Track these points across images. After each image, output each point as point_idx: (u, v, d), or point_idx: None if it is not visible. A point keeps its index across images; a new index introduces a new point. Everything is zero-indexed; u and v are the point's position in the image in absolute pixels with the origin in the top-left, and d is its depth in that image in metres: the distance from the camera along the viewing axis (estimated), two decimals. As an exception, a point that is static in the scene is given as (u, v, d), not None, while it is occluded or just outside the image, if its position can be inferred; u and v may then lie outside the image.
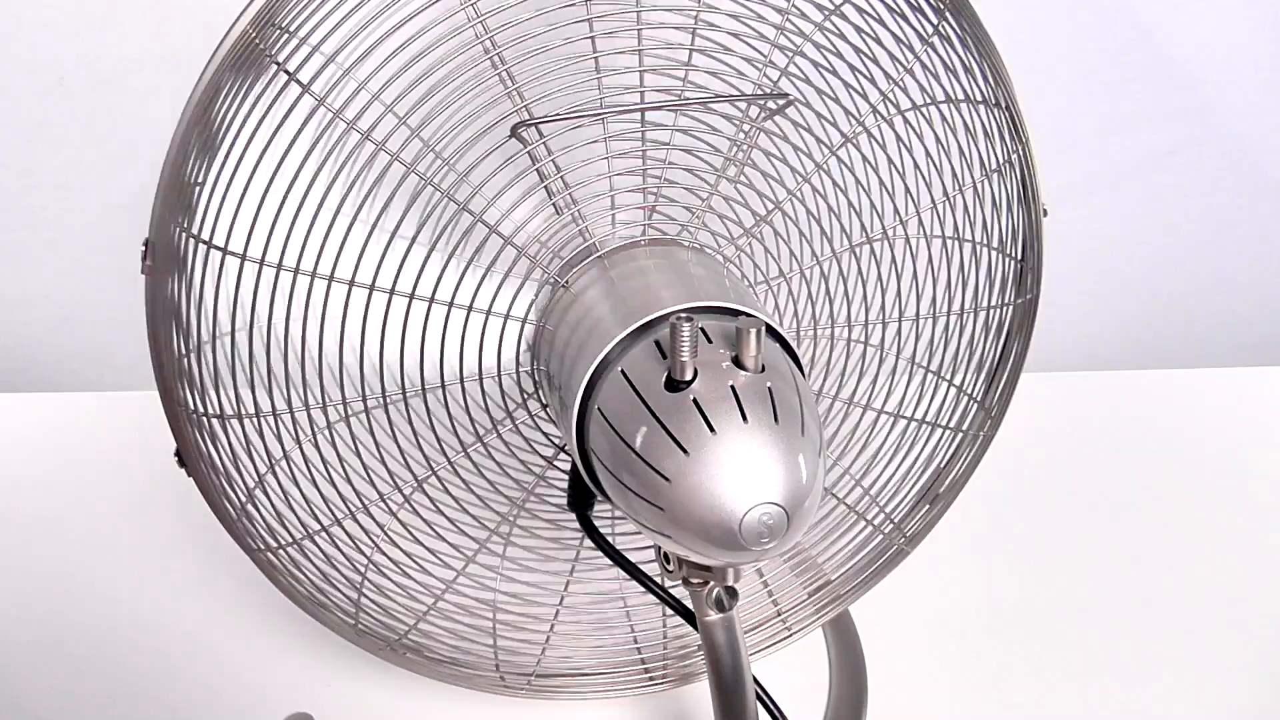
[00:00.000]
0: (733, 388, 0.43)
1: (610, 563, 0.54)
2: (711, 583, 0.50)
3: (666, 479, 0.43)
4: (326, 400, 0.50)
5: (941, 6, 0.52)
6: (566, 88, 0.48)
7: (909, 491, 0.62)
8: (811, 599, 0.64)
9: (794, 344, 0.49)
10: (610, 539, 0.55)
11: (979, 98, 0.54)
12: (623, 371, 0.46)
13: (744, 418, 0.43)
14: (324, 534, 0.54)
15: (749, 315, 0.47)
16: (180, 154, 0.48)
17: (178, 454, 0.51)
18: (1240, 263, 1.05)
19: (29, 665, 0.68)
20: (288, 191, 0.45)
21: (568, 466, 0.55)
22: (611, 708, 0.64)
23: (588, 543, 0.57)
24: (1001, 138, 0.55)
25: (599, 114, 0.50)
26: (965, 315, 0.59)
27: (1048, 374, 0.83)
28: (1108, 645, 0.70)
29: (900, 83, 0.53)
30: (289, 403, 0.50)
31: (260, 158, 0.45)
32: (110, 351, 0.94)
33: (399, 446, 0.53)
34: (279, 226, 0.45)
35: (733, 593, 0.51)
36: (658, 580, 0.54)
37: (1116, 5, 0.92)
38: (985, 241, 0.58)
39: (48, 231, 0.93)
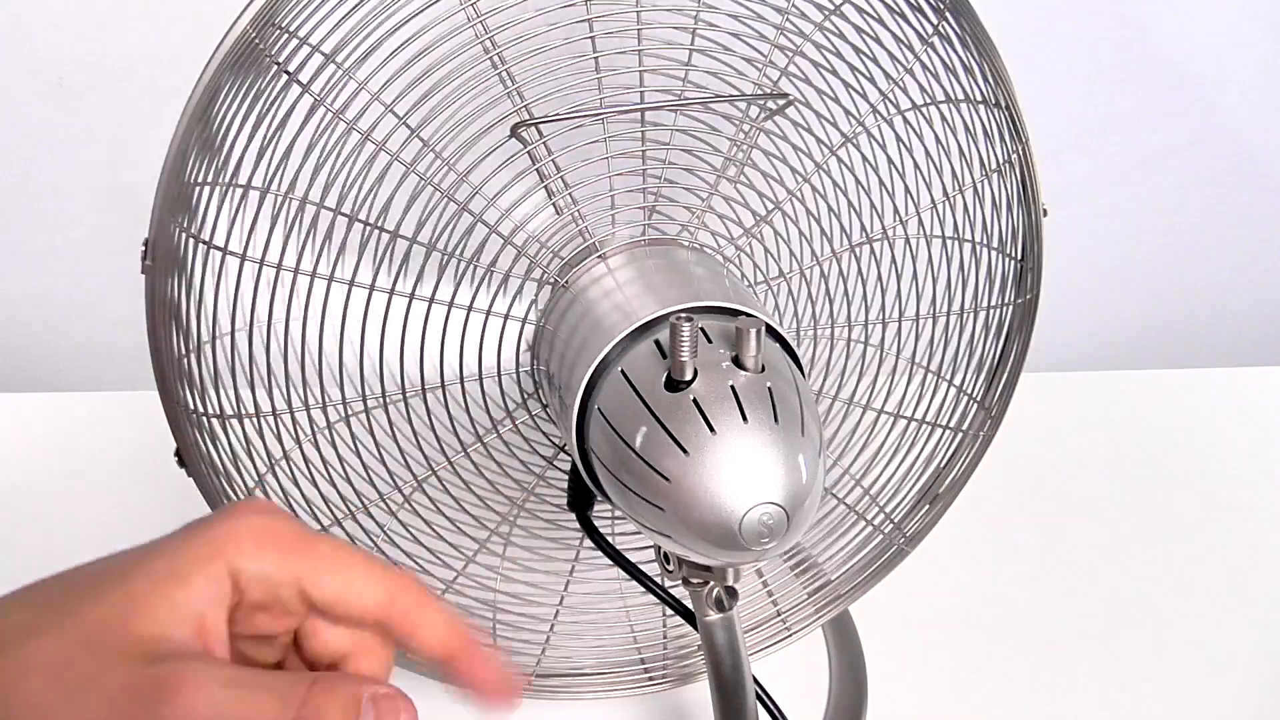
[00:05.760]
0: (733, 388, 0.43)
1: (610, 562, 0.54)
2: (711, 583, 0.50)
3: (666, 479, 0.43)
4: (326, 400, 0.50)
5: (941, 6, 0.52)
6: (566, 88, 0.48)
7: (909, 491, 0.62)
8: (811, 599, 0.64)
9: (794, 344, 0.49)
10: (610, 539, 0.55)
11: (979, 98, 0.54)
12: (623, 371, 0.46)
13: (744, 418, 0.43)
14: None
15: (749, 315, 0.47)
16: (180, 154, 0.48)
17: (178, 454, 0.51)
18: (1240, 263, 1.05)
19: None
20: (288, 192, 0.45)
21: (568, 466, 0.55)
22: (611, 707, 0.64)
23: (588, 543, 0.57)
24: (1001, 138, 0.55)
25: (599, 114, 0.50)
26: (965, 315, 0.59)
27: (1048, 374, 0.83)
28: (1107, 645, 0.70)
29: (900, 83, 0.53)
30: (289, 403, 0.50)
31: (260, 158, 0.45)
32: (110, 351, 0.93)
33: (399, 446, 0.53)
34: (279, 226, 0.45)
35: (733, 593, 0.51)
36: (658, 580, 0.54)
37: (1116, 5, 0.92)
38: (985, 241, 0.58)
39: (48, 231, 0.93)
